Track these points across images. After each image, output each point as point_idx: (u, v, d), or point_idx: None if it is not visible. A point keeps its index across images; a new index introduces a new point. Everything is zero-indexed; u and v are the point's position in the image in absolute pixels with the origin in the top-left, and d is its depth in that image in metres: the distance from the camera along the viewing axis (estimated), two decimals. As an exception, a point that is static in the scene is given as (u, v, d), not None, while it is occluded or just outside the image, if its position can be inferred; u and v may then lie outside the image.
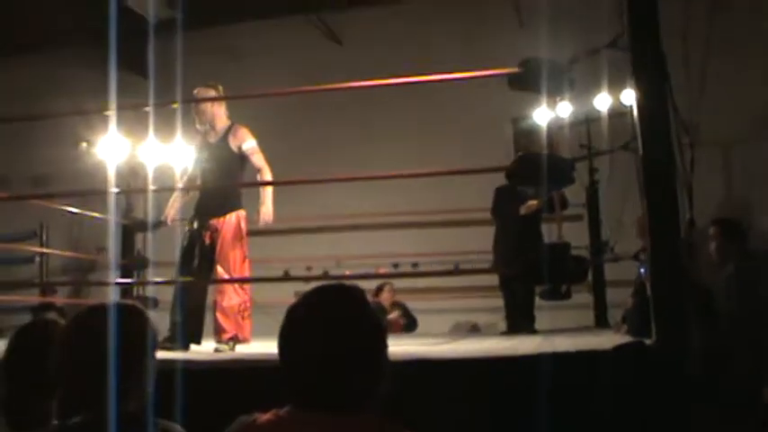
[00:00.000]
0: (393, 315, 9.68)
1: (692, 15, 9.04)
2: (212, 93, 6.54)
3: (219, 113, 6.58)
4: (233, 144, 6.48)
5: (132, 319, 2.38)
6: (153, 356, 2.41)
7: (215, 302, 6.29)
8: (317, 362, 1.94)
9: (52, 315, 2.91)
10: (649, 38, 4.18)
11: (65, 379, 2.33)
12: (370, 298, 7.71)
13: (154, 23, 10.06)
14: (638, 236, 7.90)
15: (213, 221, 6.39)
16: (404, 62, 8.46)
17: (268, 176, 6.52)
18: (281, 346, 2.00)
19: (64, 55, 11.67)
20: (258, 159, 6.49)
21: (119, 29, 7.43)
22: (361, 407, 1.94)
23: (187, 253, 6.42)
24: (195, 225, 6.46)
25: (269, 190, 6.47)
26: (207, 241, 6.37)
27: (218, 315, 6.21)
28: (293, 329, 2.01)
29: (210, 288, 6.55)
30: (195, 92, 6.52)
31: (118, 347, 2.22)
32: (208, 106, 6.49)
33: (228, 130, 6.55)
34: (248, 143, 6.48)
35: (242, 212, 6.49)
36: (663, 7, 4.31)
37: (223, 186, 6.54)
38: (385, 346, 2.04)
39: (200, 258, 6.37)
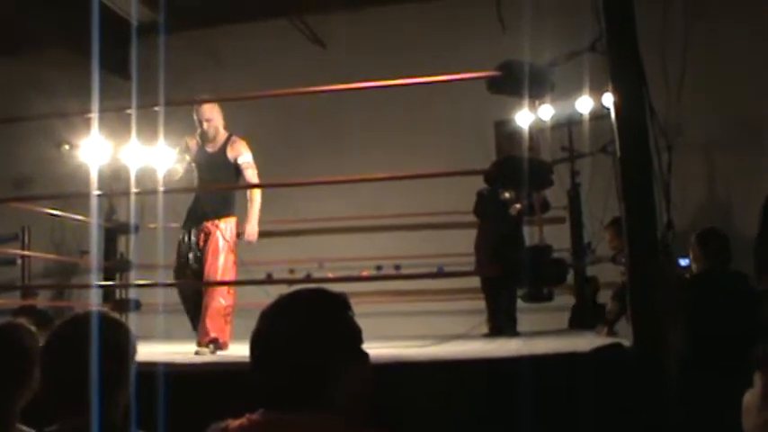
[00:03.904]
0: None
1: (671, 18, 9.08)
2: (216, 106, 6.71)
3: (219, 125, 6.72)
4: (230, 155, 6.66)
5: (116, 329, 2.40)
6: (133, 367, 2.42)
7: (203, 305, 6.39)
8: (286, 366, 1.95)
9: (22, 320, 2.88)
10: (626, 41, 4.21)
11: (48, 387, 2.34)
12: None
13: (136, 26, 10.06)
14: (610, 242, 7.95)
15: (207, 224, 6.56)
16: (387, 65, 8.47)
17: (256, 194, 6.71)
18: (253, 349, 2.01)
19: (46, 56, 11.63)
20: (251, 174, 6.66)
21: (101, 31, 7.42)
22: (327, 406, 1.94)
23: (182, 257, 6.57)
24: (190, 230, 6.62)
25: (256, 208, 6.67)
26: (200, 244, 6.54)
27: (206, 317, 6.31)
28: (260, 333, 2.02)
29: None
30: (201, 106, 6.64)
31: (101, 357, 2.24)
32: (215, 118, 6.64)
33: (227, 142, 6.71)
34: (244, 157, 6.65)
35: (234, 219, 6.69)
36: (641, 11, 4.34)
37: (218, 193, 6.70)
38: (356, 353, 2.04)
39: (194, 262, 6.53)
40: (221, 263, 6.47)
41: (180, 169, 6.82)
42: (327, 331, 1.99)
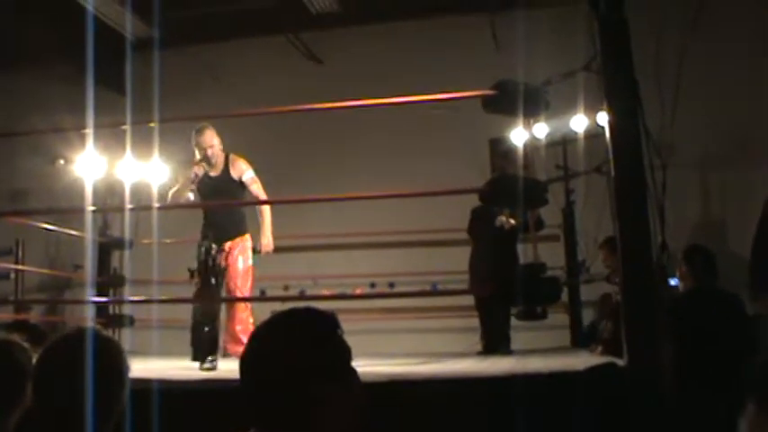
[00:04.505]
0: None
1: (666, 38, 9.12)
2: (213, 130, 6.81)
3: (219, 148, 6.85)
4: (234, 175, 6.84)
5: (109, 347, 2.40)
6: (127, 384, 2.42)
7: (230, 315, 6.76)
8: (277, 386, 1.94)
9: (14, 336, 2.90)
10: (621, 61, 4.23)
11: (40, 403, 2.33)
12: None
13: (132, 41, 10.07)
14: (604, 261, 7.97)
15: (227, 244, 6.75)
16: (383, 82, 8.48)
17: (266, 207, 6.91)
18: (243, 368, 2.01)
19: (42, 71, 11.62)
20: (257, 189, 6.89)
21: (97, 47, 7.43)
22: (317, 427, 1.94)
23: (206, 274, 6.69)
24: (211, 249, 6.71)
25: (268, 220, 6.88)
26: (223, 264, 6.71)
27: (238, 327, 6.68)
28: (250, 353, 2.01)
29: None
30: (202, 135, 6.74)
31: (94, 375, 2.24)
32: (216, 143, 6.78)
33: (227, 163, 6.86)
34: (247, 174, 6.86)
35: (249, 235, 6.93)
36: (635, 29, 4.36)
37: (231, 215, 6.91)
38: (347, 373, 2.04)
39: (216, 279, 6.68)
40: (242, 278, 6.80)
41: (192, 198, 6.90)
42: (316, 352, 1.99)
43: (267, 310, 2.14)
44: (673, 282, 6.31)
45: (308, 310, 2.10)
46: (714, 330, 5.15)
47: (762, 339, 5.27)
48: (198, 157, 6.79)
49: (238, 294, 6.77)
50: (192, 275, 7.82)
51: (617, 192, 4.17)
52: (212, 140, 6.74)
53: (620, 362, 4.14)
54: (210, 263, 6.65)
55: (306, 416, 1.93)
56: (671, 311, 5.44)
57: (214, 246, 6.68)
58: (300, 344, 1.99)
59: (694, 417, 4.57)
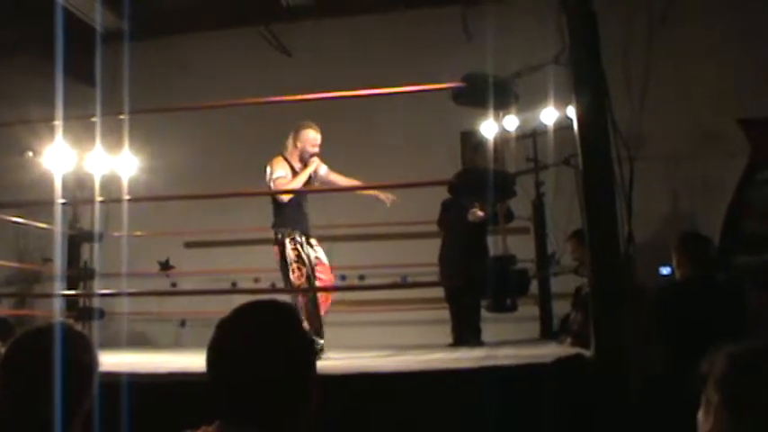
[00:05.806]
0: None
1: (635, 31, 9.16)
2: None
3: None
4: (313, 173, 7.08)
5: (78, 343, 2.39)
6: (95, 380, 2.41)
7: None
8: (243, 378, 1.94)
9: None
10: (589, 54, 4.25)
11: (5, 400, 2.32)
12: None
13: (102, 33, 10.00)
14: (572, 253, 8.01)
15: (313, 240, 7.15)
16: (353, 75, 8.48)
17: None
18: (210, 361, 2.00)
19: (11, 63, 11.54)
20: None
21: (67, 39, 7.38)
22: (288, 422, 1.94)
23: (309, 267, 6.99)
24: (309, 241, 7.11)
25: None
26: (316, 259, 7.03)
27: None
28: (222, 344, 2.01)
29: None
30: (319, 132, 7.14)
31: (63, 371, 2.23)
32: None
33: None
34: (323, 168, 7.20)
35: None
36: (604, 22, 4.39)
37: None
38: (311, 366, 2.05)
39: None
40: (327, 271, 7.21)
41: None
42: (279, 344, 1.99)
43: (238, 303, 2.13)
44: (665, 270, 6.29)
45: (274, 302, 2.10)
46: (705, 318, 5.15)
47: (757, 327, 5.29)
48: (310, 151, 7.07)
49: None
50: (162, 267, 7.81)
51: (585, 184, 4.20)
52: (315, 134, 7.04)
53: (588, 353, 4.17)
54: (313, 259, 6.96)
55: (273, 408, 1.94)
56: (659, 301, 5.44)
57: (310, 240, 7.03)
58: (269, 336, 2.00)
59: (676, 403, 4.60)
